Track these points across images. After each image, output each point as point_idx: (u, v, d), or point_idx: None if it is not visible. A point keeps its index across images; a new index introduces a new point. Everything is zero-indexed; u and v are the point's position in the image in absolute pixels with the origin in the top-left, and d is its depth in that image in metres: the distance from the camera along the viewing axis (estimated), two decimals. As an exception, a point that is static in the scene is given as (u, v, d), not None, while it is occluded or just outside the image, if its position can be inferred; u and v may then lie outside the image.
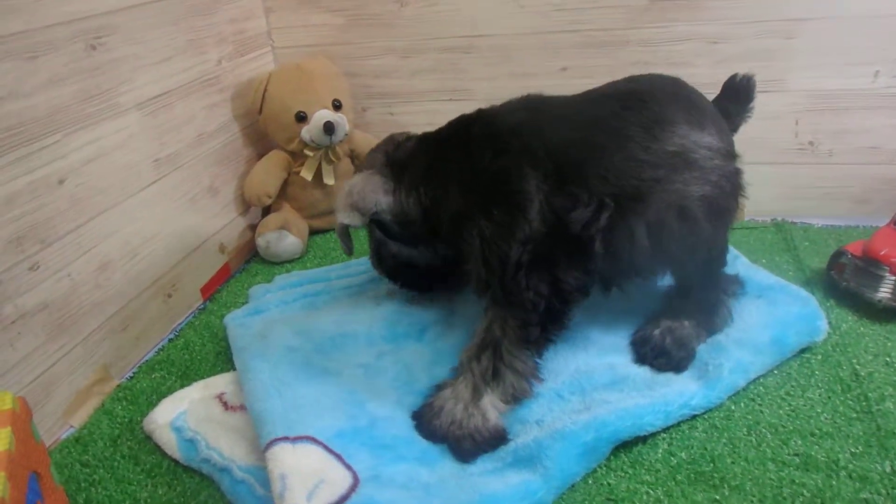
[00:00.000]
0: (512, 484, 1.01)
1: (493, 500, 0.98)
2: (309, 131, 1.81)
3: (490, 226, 1.13)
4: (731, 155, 1.23)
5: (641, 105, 1.17)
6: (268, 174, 1.85)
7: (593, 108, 1.21)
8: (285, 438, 1.02)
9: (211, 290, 1.74)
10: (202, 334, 1.57)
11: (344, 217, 1.28)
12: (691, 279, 1.30)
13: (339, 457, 1.02)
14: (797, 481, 1.06)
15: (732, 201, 1.21)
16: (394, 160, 1.32)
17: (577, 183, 1.14)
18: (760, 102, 1.80)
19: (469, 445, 1.09)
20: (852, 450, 1.11)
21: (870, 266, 1.45)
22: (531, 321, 1.16)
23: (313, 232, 1.98)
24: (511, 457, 1.07)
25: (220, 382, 1.30)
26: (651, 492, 1.06)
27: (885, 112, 1.75)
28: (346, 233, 1.32)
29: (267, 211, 1.94)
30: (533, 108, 1.24)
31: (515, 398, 1.17)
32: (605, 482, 1.08)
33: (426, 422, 1.15)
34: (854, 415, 1.19)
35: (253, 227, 1.92)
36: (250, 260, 1.92)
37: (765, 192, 1.87)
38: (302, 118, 1.81)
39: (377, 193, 1.28)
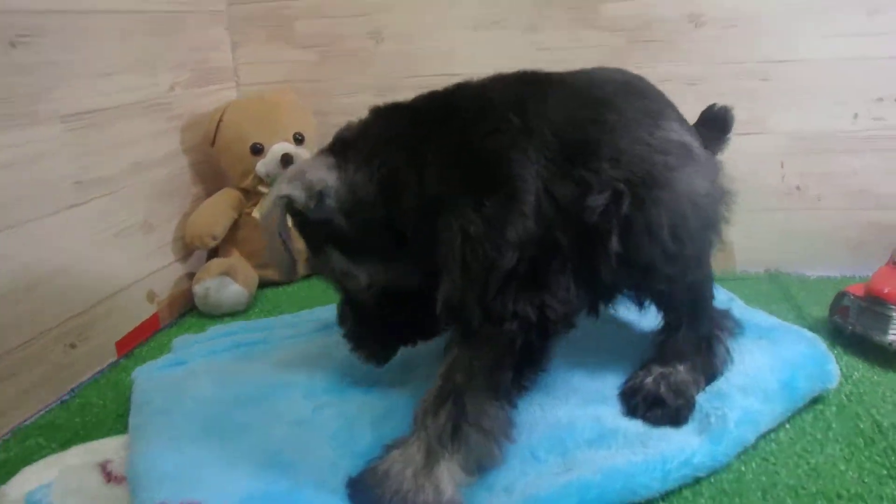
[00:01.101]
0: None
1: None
2: (265, 165, 1.65)
3: (478, 220, 0.90)
4: (717, 165, 1.14)
5: (640, 93, 1.07)
6: (216, 213, 1.67)
7: (595, 88, 1.06)
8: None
9: (130, 346, 1.48)
10: (105, 395, 1.30)
11: (285, 188, 0.96)
12: (679, 308, 1.12)
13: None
14: (830, 551, 0.86)
15: (720, 214, 1.10)
16: (338, 139, 1.05)
17: (588, 167, 0.96)
18: (743, 144, 1.73)
19: None
20: (886, 509, 0.92)
21: (875, 306, 1.32)
22: (504, 363, 0.94)
23: (263, 284, 1.77)
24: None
25: (109, 448, 1.04)
26: (654, 570, 0.85)
27: (868, 155, 1.68)
28: (282, 216, 1.00)
29: (212, 256, 1.75)
30: (531, 83, 1.07)
31: (480, 466, 0.92)
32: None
33: (364, 490, 0.90)
34: (884, 472, 1.00)
35: (193, 276, 1.70)
36: (186, 314, 1.69)
37: (755, 241, 1.77)
38: (258, 150, 1.66)
39: (319, 170, 0.98)
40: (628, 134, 0.99)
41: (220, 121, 1.67)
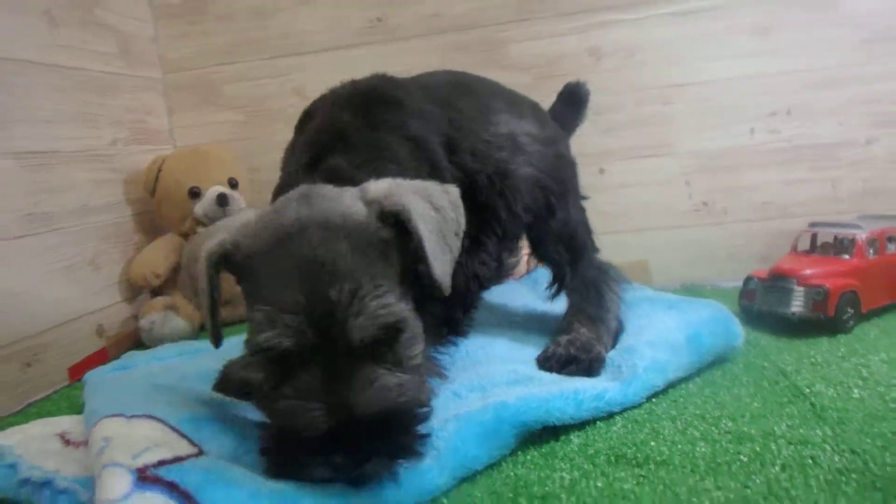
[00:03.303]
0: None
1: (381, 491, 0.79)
2: (202, 206, 1.75)
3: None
4: (550, 141, 1.30)
5: (469, 91, 1.25)
6: (158, 254, 1.75)
7: (434, 89, 1.23)
8: (120, 415, 0.83)
9: (81, 373, 1.51)
10: (60, 405, 1.34)
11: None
12: (559, 259, 1.30)
13: (184, 435, 0.82)
14: (731, 451, 0.91)
15: (554, 182, 1.27)
16: None
17: (458, 158, 1.16)
18: (651, 168, 1.90)
19: None
20: (788, 423, 0.98)
21: (778, 282, 1.43)
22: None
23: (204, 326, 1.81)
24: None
25: (66, 422, 1.07)
26: (566, 475, 0.88)
27: (768, 167, 1.84)
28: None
29: (156, 296, 1.79)
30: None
31: None
32: (512, 473, 0.90)
33: None
34: (786, 399, 1.07)
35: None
36: (133, 349, 1.72)
37: (669, 258, 1.89)
38: (195, 194, 1.76)
39: None
40: (472, 132, 1.21)
41: (160, 170, 1.78)
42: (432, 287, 0.87)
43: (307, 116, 1.18)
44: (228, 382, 1.09)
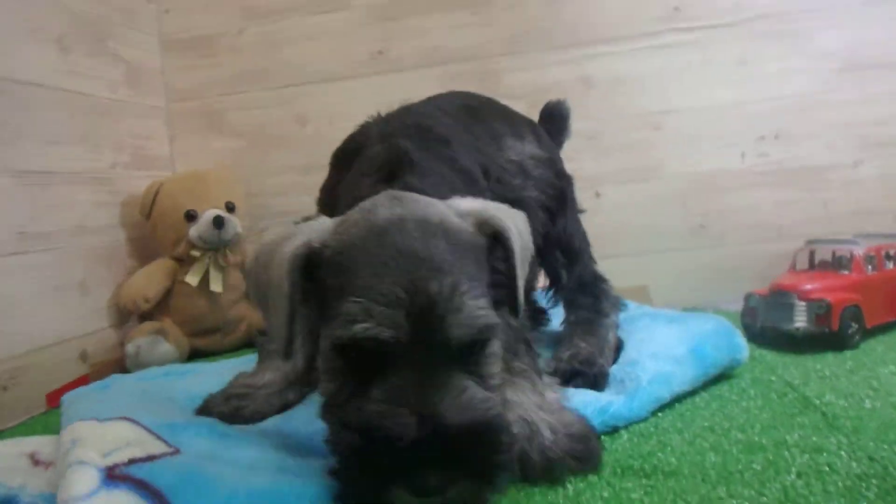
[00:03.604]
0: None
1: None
2: (197, 229, 1.71)
3: None
4: (550, 162, 1.31)
5: (479, 116, 1.25)
6: (150, 278, 1.71)
7: (459, 116, 1.22)
8: (94, 419, 0.78)
9: (58, 399, 1.46)
10: (36, 431, 1.28)
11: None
12: (556, 263, 1.30)
13: (161, 437, 0.78)
14: (744, 460, 0.87)
15: (556, 201, 1.28)
16: None
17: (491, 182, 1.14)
18: (645, 191, 1.90)
19: None
20: (800, 433, 0.94)
21: (779, 298, 1.41)
22: None
23: (196, 353, 1.76)
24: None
25: (37, 442, 1.02)
26: (570, 486, 0.84)
27: (760, 189, 1.85)
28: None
29: (145, 321, 1.75)
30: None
31: None
32: (513, 485, 0.85)
33: None
34: (796, 410, 1.04)
35: (126, 344, 1.70)
36: (118, 377, 1.67)
37: (668, 280, 1.87)
38: (192, 217, 1.73)
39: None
40: (493, 159, 1.19)
41: (157, 193, 1.76)
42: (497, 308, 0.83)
43: (353, 148, 1.11)
44: (209, 414, 1.05)
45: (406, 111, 1.18)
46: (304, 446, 0.91)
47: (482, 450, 0.70)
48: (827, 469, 0.82)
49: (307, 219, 1.20)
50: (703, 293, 1.85)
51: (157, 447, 0.74)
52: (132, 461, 0.69)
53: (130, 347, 1.61)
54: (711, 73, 1.84)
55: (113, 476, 0.67)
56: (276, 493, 0.72)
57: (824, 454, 0.86)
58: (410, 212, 0.79)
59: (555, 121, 1.46)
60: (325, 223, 0.82)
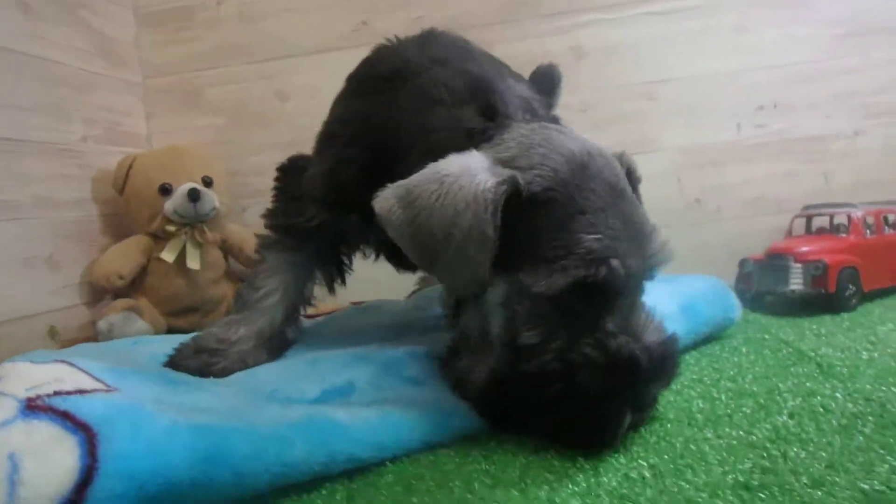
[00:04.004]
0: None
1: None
2: (173, 202, 1.65)
3: None
4: (550, 106, 1.26)
5: (482, 52, 1.17)
6: (124, 255, 1.64)
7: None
8: (28, 362, 0.73)
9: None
10: None
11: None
12: None
13: (98, 378, 0.71)
14: (733, 405, 0.81)
15: None
16: None
17: None
18: (640, 163, 1.82)
19: None
20: (794, 381, 0.89)
21: (775, 261, 1.36)
22: None
23: (172, 333, 1.70)
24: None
25: None
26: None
27: (756, 161, 1.78)
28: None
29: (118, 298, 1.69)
30: None
31: None
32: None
33: None
34: (790, 362, 0.98)
35: (100, 322, 1.64)
36: (91, 357, 1.61)
37: (664, 256, 1.80)
38: (167, 191, 1.67)
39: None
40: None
41: (130, 167, 1.70)
42: None
43: (386, 74, 1.06)
44: (176, 367, 0.99)
45: (432, 35, 1.16)
46: (268, 397, 0.85)
47: (670, 361, 0.76)
48: (821, 410, 0.76)
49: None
50: (700, 269, 1.77)
51: (91, 384, 0.67)
52: (57, 393, 0.63)
53: (103, 324, 1.54)
54: (709, 40, 1.77)
55: (33, 406, 0.61)
56: (224, 429, 0.66)
57: (818, 397, 0.80)
58: (588, 145, 0.80)
59: (545, 84, 1.40)
60: (482, 159, 0.77)
